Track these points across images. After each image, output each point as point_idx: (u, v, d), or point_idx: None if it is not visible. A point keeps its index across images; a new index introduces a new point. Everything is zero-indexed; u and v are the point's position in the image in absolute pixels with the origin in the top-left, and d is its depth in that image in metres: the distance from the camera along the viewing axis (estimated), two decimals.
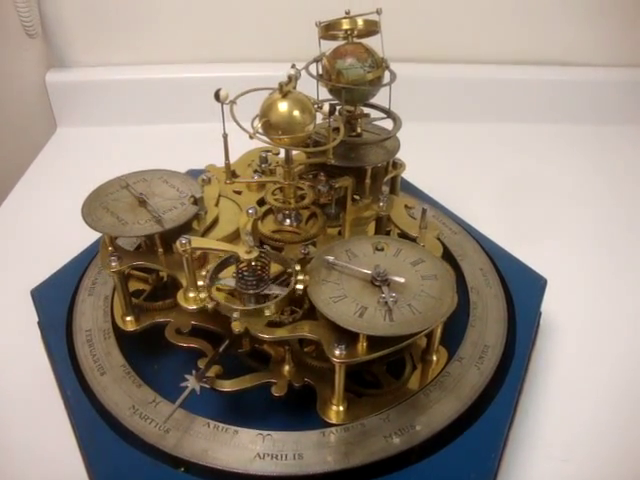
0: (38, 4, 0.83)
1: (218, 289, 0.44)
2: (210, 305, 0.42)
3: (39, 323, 0.53)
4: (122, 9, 0.88)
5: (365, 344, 0.41)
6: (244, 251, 0.41)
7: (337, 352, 0.41)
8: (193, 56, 0.92)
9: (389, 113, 0.58)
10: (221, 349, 0.47)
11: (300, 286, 0.42)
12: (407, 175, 0.65)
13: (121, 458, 0.42)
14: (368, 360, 0.47)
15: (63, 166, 0.86)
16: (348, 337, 0.41)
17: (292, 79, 0.45)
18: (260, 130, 0.45)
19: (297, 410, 0.46)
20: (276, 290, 0.43)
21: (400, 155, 0.58)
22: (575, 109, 0.95)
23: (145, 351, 0.51)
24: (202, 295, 0.43)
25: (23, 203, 0.78)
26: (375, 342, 0.42)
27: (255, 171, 0.58)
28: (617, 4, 0.88)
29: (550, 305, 0.57)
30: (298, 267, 0.43)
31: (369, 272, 0.43)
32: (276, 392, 0.46)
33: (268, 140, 0.45)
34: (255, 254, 0.41)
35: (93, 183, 0.53)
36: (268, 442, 0.43)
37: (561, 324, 0.60)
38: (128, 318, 0.51)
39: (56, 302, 0.54)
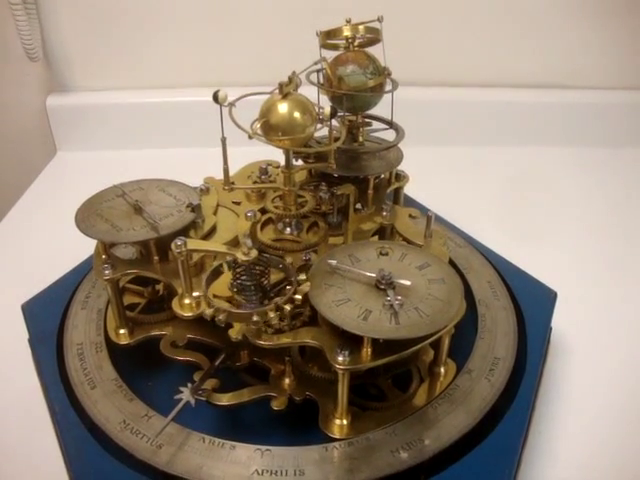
0: (40, 28, 0.84)
1: (215, 296, 0.42)
2: (222, 317, 0.39)
3: (29, 339, 0.51)
4: (122, 34, 0.88)
5: (370, 350, 0.39)
6: (242, 252, 0.39)
7: (340, 358, 0.38)
8: (193, 80, 0.92)
9: (391, 124, 0.57)
10: (217, 362, 0.45)
11: (299, 296, 0.40)
12: (410, 195, 0.64)
13: (109, 475, 0.40)
14: (373, 368, 0.46)
15: (61, 189, 0.85)
16: (352, 343, 0.39)
17: (292, 80, 0.44)
18: (259, 131, 0.44)
19: (298, 425, 0.44)
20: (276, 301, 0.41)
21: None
22: (582, 132, 0.94)
23: (139, 365, 0.48)
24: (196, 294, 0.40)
25: (19, 225, 0.77)
26: (380, 348, 0.39)
27: (255, 182, 0.56)
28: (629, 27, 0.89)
29: (559, 322, 0.54)
30: (302, 276, 0.41)
31: (373, 275, 0.41)
32: (276, 406, 0.43)
33: (267, 141, 0.44)
34: (254, 255, 0.39)
35: None
36: (267, 458, 0.40)
37: (571, 341, 0.57)
38: (122, 331, 0.49)
39: (47, 316, 0.52)
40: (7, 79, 0.89)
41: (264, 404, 0.44)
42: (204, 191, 0.54)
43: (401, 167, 0.57)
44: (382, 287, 0.40)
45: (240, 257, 0.39)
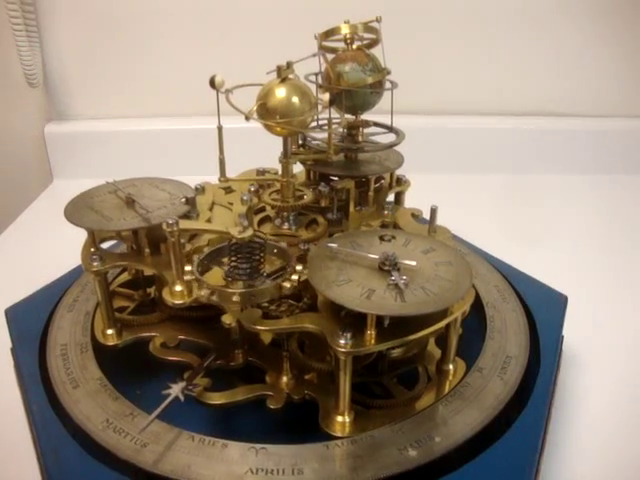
0: (41, 54, 0.85)
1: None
2: (202, 292, 0.37)
3: (11, 348, 0.48)
4: (121, 63, 0.89)
5: (373, 333, 0.36)
6: (237, 231, 0.37)
7: (342, 341, 0.36)
8: (191, 109, 0.92)
9: (391, 128, 0.56)
10: (209, 359, 0.42)
11: (295, 277, 0.38)
12: None
13: (88, 476, 0.36)
14: (377, 366, 0.43)
15: (54, 215, 0.83)
16: (353, 327, 0.36)
17: (290, 65, 0.43)
18: (255, 115, 0.42)
19: (296, 425, 0.40)
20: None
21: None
22: (582, 158, 0.95)
23: (126, 367, 0.45)
24: (188, 277, 0.38)
25: (8, 247, 0.75)
26: (384, 333, 0.37)
27: (251, 184, 0.55)
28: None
29: (569, 332, 0.52)
30: (299, 267, 0.39)
31: (376, 257, 0.38)
32: (272, 404, 0.40)
33: (264, 123, 0.42)
34: (249, 233, 0.37)
35: (83, 233, 0.48)
36: (262, 456, 0.36)
37: (582, 352, 0.54)
38: (109, 331, 0.46)
39: (32, 320, 0.49)
40: (6, 106, 0.89)
41: (260, 405, 0.41)
42: (199, 190, 0.52)
43: None
44: (386, 268, 0.38)
45: (235, 235, 0.37)
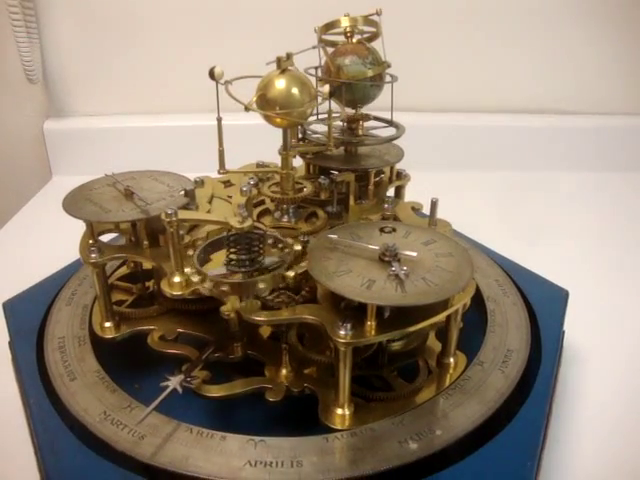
0: (41, 51, 0.84)
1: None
2: (197, 280, 0.37)
3: (9, 340, 0.48)
4: (120, 60, 0.89)
5: (374, 324, 0.36)
6: (237, 221, 0.37)
7: (342, 332, 0.35)
8: (190, 105, 0.91)
9: (391, 122, 0.56)
10: (207, 351, 0.42)
11: (298, 247, 0.38)
12: None
13: (85, 468, 0.36)
14: (377, 359, 0.42)
15: (53, 211, 0.83)
16: (354, 318, 0.36)
17: (290, 56, 0.43)
18: (255, 106, 0.42)
19: (296, 418, 0.40)
20: (270, 262, 0.38)
21: None
22: (581, 155, 0.94)
23: (124, 360, 0.45)
24: (189, 272, 0.37)
25: (7, 242, 0.75)
26: (385, 324, 0.36)
27: (251, 178, 0.54)
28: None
29: (569, 329, 0.51)
30: (296, 246, 0.39)
31: (377, 248, 0.38)
32: (271, 397, 0.40)
33: (264, 114, 0.42)
34: (248, 224, 0.37)
35: (82, 229, 0.48)
36: (261, 448, 0.36)
37: (583, 348, 0.54)
38: (107, 324, 0.46)
39: (30, 313, 0.49)
40: (5, 102, 0.88)
41: (259, 398, 0.40)
42: (199, 183, 0.52)
43: None
44: (386, 259, 0.38)
45: (235, 225, 0.37)
